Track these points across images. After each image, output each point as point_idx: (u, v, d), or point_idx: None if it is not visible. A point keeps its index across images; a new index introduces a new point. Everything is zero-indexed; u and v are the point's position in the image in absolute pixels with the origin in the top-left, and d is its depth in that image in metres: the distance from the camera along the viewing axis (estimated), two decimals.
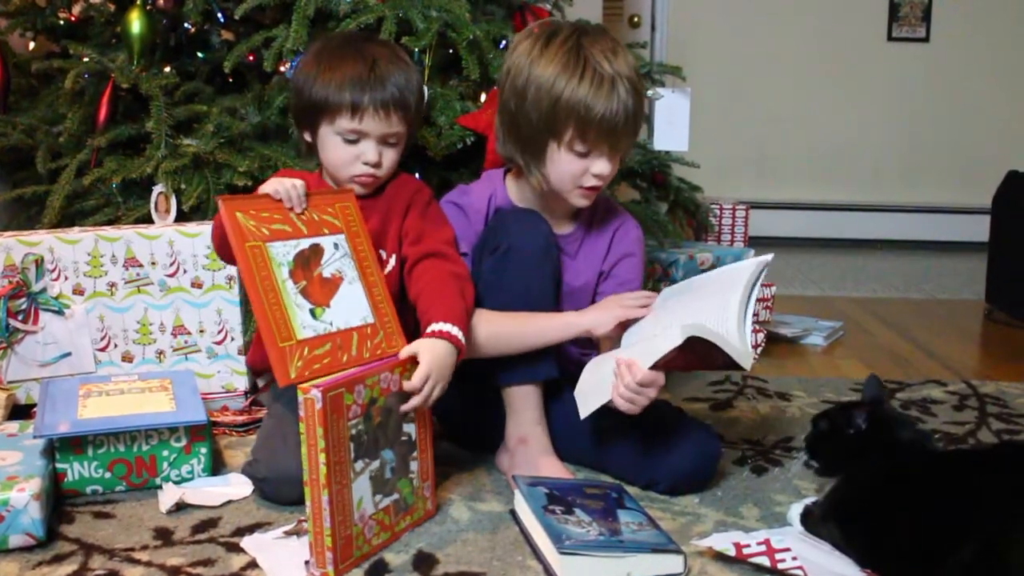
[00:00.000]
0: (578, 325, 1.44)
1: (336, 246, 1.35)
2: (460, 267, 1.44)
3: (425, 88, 1.79)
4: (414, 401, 1.27)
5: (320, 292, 1.29)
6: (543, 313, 1.45)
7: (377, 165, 1.45)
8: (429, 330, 1.32)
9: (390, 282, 1.45)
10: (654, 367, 1.30)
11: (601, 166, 1.42)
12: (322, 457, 1.14)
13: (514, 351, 1.44)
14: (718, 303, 1.35)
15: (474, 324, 1.41)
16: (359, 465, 1.21)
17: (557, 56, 1.40)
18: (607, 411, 1.36)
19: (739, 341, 1.31)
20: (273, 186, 1.32)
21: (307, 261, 1.30)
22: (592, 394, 1.37)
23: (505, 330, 1.43)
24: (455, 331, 1.32)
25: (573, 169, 1.43)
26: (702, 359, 1.34)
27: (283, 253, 1.27)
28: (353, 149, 1.44)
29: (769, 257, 1.41)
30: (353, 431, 1.19)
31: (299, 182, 1.34)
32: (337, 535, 1.16)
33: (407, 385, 1.27)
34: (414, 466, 1.31)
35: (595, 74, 1.38)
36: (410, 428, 1.30)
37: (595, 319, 1.43)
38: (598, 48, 1.39)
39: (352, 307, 1.32)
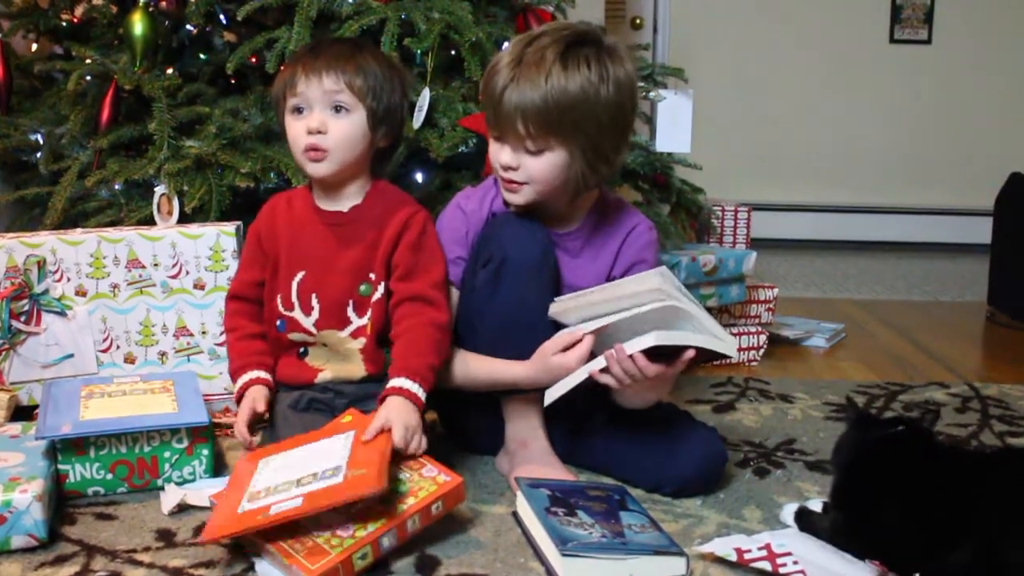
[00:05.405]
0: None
1: None
2: (442, 315, 1.42)
3: (427, 89, 1.79)
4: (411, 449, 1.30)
5: None
6: (514, 363, 1.42)
7: (320, 132, 1.40)
8: (388, 385, 1.34)
9: (377, 310, 1.45)
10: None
11: (503, 156, 1.39)
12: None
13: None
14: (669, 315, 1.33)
15: (453, 366, 1.45)
16: None
17: (512, 46, 1.39)
18: (615, 406, 1.41)
19: (719, 333, 1.33)
20: None
21: None
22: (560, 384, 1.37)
23: (479, 376, 1.45)
24: (412, 387, 1.34)
25: (493, 155, 1.41)
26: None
27: None
28: (300, 123, 1.42)
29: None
30: None
31: None
32: (296, 548, 1.16)
33: (411, 450, 1.30)
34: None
35: (520, 64, 1.34)
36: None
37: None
38: (551, 49, 1.33)
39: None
